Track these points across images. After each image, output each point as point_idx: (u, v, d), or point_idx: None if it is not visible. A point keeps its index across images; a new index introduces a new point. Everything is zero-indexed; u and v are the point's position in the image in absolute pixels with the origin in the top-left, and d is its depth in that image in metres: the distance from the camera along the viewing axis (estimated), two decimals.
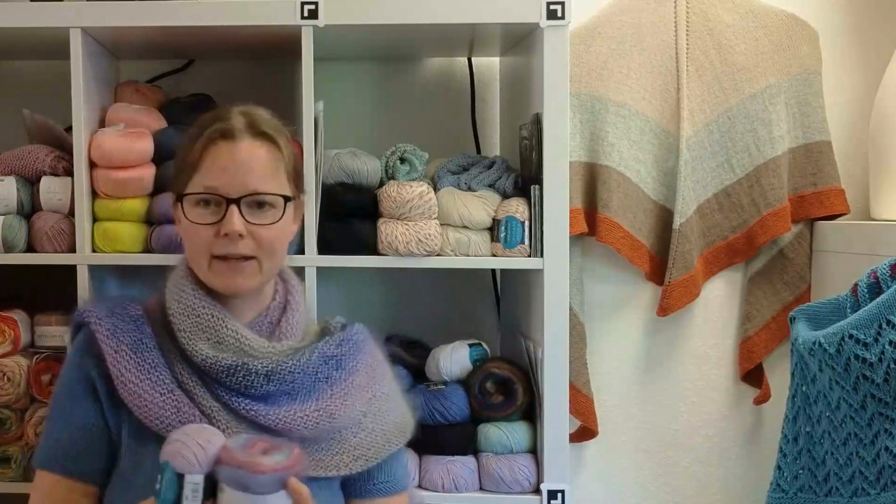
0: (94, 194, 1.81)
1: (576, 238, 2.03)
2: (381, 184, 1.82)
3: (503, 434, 1.79)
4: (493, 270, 2.14)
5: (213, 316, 1.40)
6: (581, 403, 2.05)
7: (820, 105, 2.07)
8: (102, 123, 1.85)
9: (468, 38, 1.95)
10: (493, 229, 1.80)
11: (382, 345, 1.55)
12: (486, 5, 1.74)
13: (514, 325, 2.01)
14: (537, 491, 1.77)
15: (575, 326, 2.03)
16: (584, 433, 2.09)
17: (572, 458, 2.00)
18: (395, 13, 1.74)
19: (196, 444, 1.22)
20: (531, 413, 1.82)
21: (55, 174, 1.83)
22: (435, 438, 1.77)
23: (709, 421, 2.17)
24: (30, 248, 1.82)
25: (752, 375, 2.12)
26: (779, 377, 2.08)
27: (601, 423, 2.11)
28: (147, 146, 1.79)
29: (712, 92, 2.07)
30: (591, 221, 2.06)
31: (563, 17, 1.72)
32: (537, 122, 1.76)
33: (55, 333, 1.87)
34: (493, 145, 2.17)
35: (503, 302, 2.13)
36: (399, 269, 1.82)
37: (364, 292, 2.13)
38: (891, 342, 1.29)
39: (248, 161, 1.38)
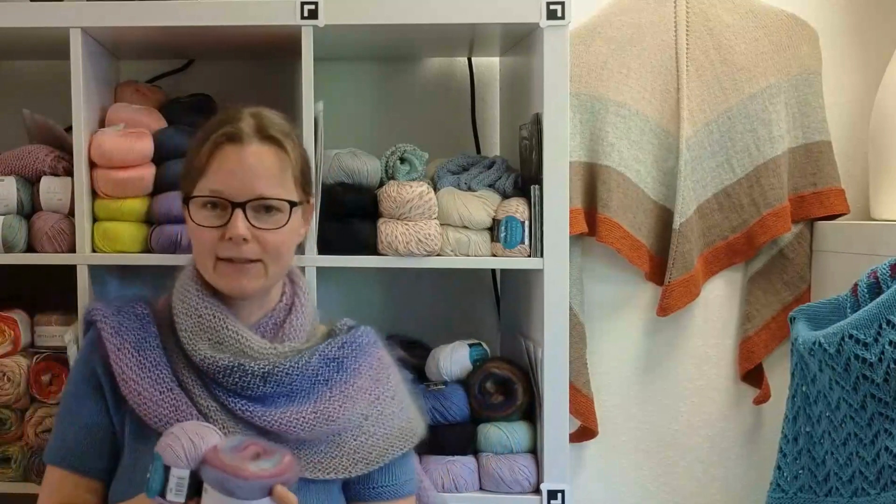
0: (94, 194, 1.81)
1: (576, 238, 2.03)
2: (381, 184, 1.82)
3: (503, 434, 1.79)
4: (493, 270, 2.14)
5: (214, 317, 1.41)
6: (581, 403, 2.05)
7: (820, 105, 2.07)
8: (102, 123, 1.85)
9: (468, 38, 1.95)
10: (493, 229, 1.80)
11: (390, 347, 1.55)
12: (486, 5, 1.74)
13: (514, 325, 2.01)
14: (537, 491, 1.77)
15: (575, 326, 2.03)
16: (584, 433, 2.09)
17: (572, 458, 2.00)
18: (395, 13, 1.74)
19: (188, 439, 1.23)
20: (531, 413, 1.82)
21: (55, 174, 1.83)
22: (435, 438, 1.76)
23: (709, 421, 2.17)
24: (30, 248, 1.82)
25: (752, 375, 2.12)
26: (779, 377, 2.08)
27: (601, 423, 2.11)
28: (147, 146, 1.79)
29: (712, 92, 2.07)
30: (591, 221, 2.06)
31: (563, 17, 1.72)
32: (537, 122, 1.76)
33: (55, 333, 1.87)
34: (493, 145, 2.17)
35: (503, 302, 2.13)
36: (399, 269, 1.82)
37: (364, 292, 2.13)
38: (891, 342, 1.29)
39: (254, 165, 1.38)
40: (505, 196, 1.83)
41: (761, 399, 2.10)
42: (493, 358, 1.89)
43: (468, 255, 1.80)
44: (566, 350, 1.75)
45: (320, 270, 1.75)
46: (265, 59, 2.09)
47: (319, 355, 1.42)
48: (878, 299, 1.32)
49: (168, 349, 1.43)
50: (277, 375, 1.38)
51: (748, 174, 2.07)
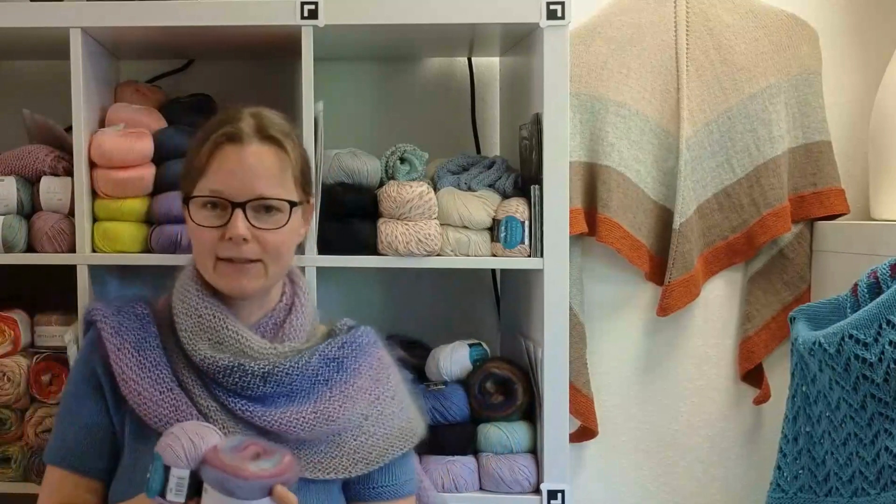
0: (94, 194, 1.81)
1: (576, 238, 2.03)
2: (381, 184, 1.82)
3: (503, 434, 1.79)
4: (493, 270, 2.14)
5: (214, 316, 1.41)
6: (581, 403, 2.05)
7: (820, 105, 2.07)
8: (102, 123, 1.85)
9: (468, 38, 1.95)
10: (493, 229, 1.80)
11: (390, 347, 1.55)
12: (486, 5, 1.74)
13: (514, 325, 2.01)
14: (537, 491, 1.77)
15: (575, 326, 2.03)
16: (584, 433, 2.09)
17: (572, 458, 2.00)
18: (395, 13, 1.74)
19: (188, 439, 1.23)
20: (531, 413, 1.82)
21: (55, 174, 1.83)
22: (435, 438, 1.76)
23: (709, 421, 2.17)
24: (30, 248, 1.82)
25: (752, 375, 2.12)
26: (779, 377, 2.08)
27: (601, 423, 2.11)
28: (147, 146, 1.79)
29: (712, 92, 2.07)
30: (591, 221, 2.06)
31: (563, 17, 1.72)
32: (537, 122, 1.76)
33: (55, 333, 1.87)
34: (493, 145, 2.17)
35: (503, 302, 2.13)
36: (399, 269, 1.82)
37: (364, 292, 2.13)
38: (891, 342, 1.29)
39: (254, 165, 1.38)
40: (505, 196, 1.83)
41: (761, 399, 2.10)
42: (493, 358, 1.89)
43: (468, 255, 1.79)
44: (566, 350, 1.75)
45: (320, 270, 1.75)
46: (265, 59, 2.09)
47: (319, 355, 1.42)
48: (878, 299, 1.32)
49: (168, 349, 1.43)
50: (277, 375, 1.38)
51: (748, 174, 2.07)
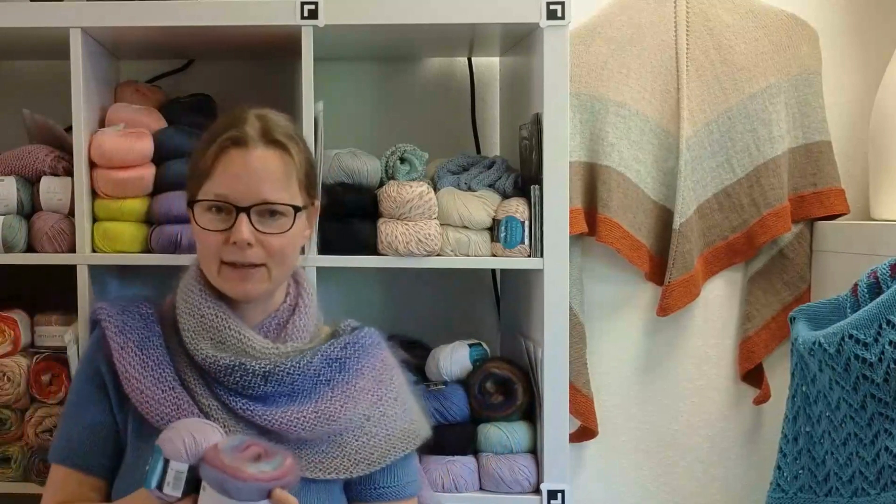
0: (94, 194, 1.81)
1: (576, 238, 2.03)
2: (381, 184, 1.82)
3: (503, 434, 1.79)
4: (493, 270, 2.14)
5: (216, 316, 1.41)
6: (581, 403, 2.05)
7: (820, 105, 2.07)
8: (102, 123, 1.85)
9: (468, 38, 1.95)
10: (493, 229, 1.80)
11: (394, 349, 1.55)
12: (486, 5, 1.74)
13: (514, 325, 2.01)
14: (537, 491, 1.77)
15: (575, 326, 2.03)
16: (584, 433, 2.09)
17: (572, 458, 2.00)
18: (395, 13, 1.74)
19: (190, 434, 1.23)
20: (531, 413, 1.82)
21: (55, 174, 1.83)
22: (435, 438, 1.75)
23: (709, 421, 2.17)
24: (30, 248, 1.82)
25: (752, 375, 2.12)
26: (779, 377, 2.08)
27: (601, 423, 2.11)
28: (147, 146, 1.79)
29: (712, 92, 2.07)
30: (591, 221, 2.06)
31: (563, 17, 1.72)
32: (537, 122, 1.76)
33: (55, 333, 1.87)
34: (493, 145, 2.17)
35: (503, 302, 2.13)
36: (399, 269, 1.82)
37: (364, 292, 2.13)
38: (891, 342, 1.29)
39: (259, 170, 1.38)
40: (505, 196, 1.83)
41: (761, 399, 2.10)
42: (493, 358, 1.89)
43: (468, 255, 1.79)
44: (566, 350, 1.75)
45: (320, 270, 1.75)
46: (265, 59, 2.09)
47: (321, 355, 1.43)
48: (878, 299, 1.32)
49: (171, 349, 1.45)
50: (279, 375, 1.39)
51: (748, 174, 2.07)
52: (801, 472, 1.49)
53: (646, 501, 2.18)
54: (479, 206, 1.79)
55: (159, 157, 1.81)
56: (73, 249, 1.79)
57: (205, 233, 1.40)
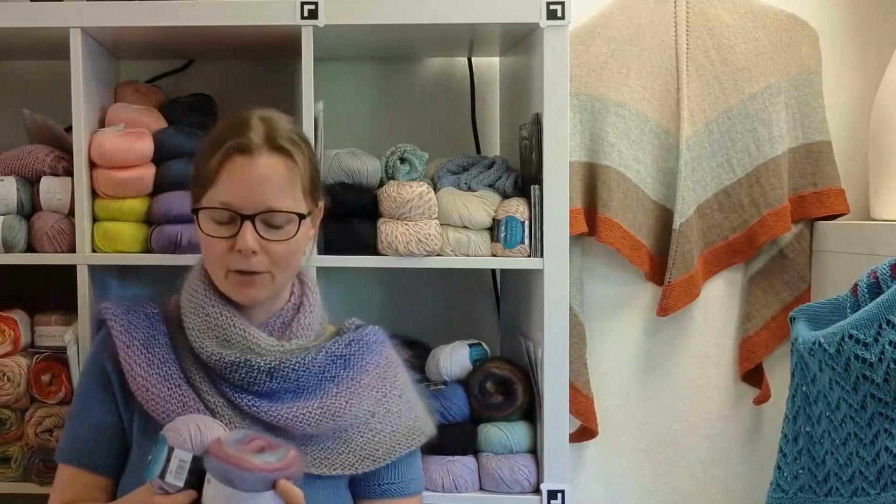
0: (94, 194, 1.81)
1: (576, 238, 2.03)
2: (381, 184, 1.82)
3: (503, 434, 1.79)
4: (493, 270, 2.14)
5: (221, 315, 1.42)
6: (581, 403, 2.05)
7: (820, 105, 2.07)
8: (102, 123, 1.85)
9: (468, 38, 1.95)
10: (493, 229, 1.80)
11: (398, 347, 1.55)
12: (486, 5, 1.74)
13: (514, 325, 2.01)
14: (537, 491, 1.77)
15: (575, 326, 2.03)
16: (584, 433, 2.09)
17: (572, 458, 2.00)
18: (395, 13, 1.74)
19: (195, 425, 1.25)
20: (531, 413, 1.82)
21: (55, 174, 1.83)
22: (435, 438, 1.77)
23: (709, 421, 2.16)
24: (30, 248, 1.82)
25: (752, 375, 2.12)
26: (779, 377, 2.08)
27: (601, 423, 2.11)
28: (147, 146, 1.79)
29: (712, 92, 2.07)
30: (591, 221, 2.06)
31: (563, 17, 1.72)
32: (537, 122, 1.76)
33: (55, 333, 1.87)
34: (493, 145, 2.17)
35: (503, 302, 2.13)
36: (399, 269, 1.82)
37: (364, 292, 2.13)
38: (891, 342, 1.29)
39: (264, 177, 1.38)
40: (505, 196, 1.83)
41: (761, 399, 2.10)
42: (493, 358, 1.89)
43: (468, 255, 1.80)
44: (566, 350, 1.75)
45: (320, 270, 1.75)
46: (265, 59, 2.09)
47: (326, 352, 1.44)
48: (878, 299, 1.32)
49: (176, 347, 1.46)
50: (284, 371, 1.40)
51: (748, 174, 2.07)
52: (801, 472, 1.49)
53: (646, 501, 2.18)
54: (479, 206, 1.79)
55: (159, 157, 1.81)
56: (73, 249, 1.79)
57: (210, 240, 1.40)
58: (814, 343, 1.39)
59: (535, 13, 1.72)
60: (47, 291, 1.93)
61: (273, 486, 1.20)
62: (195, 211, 1.42)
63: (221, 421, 1.35)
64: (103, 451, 1.44)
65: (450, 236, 1.79)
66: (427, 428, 1.51)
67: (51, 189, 1.81)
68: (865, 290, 1.38)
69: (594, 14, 2.07)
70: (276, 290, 1.45)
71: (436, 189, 1.81)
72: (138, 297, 1.56)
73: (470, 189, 1.83)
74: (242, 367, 1.39)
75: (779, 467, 1.53)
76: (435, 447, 1.75)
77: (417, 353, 1.89)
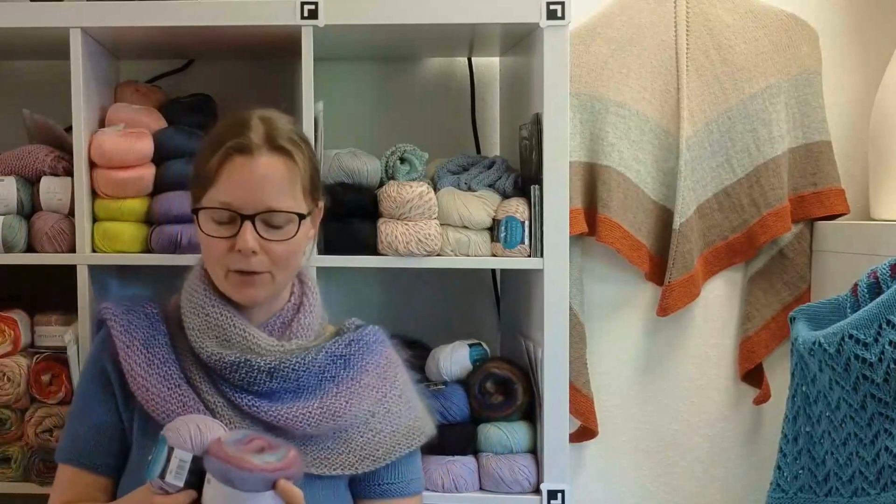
0: (94, 194, 1.81)
1: (576, 238, 2.03)
2: (381, 184, 1.82)
3: (503, 434, 1.79)
4: (493, 270, 2.14)
5: (221, 315, 1.43)
6: (581, 403, 2.05)
7: (820, 105, 2.07)
8: (102, 123, 1.85)
9: (468, 38, 1.95)
10: (493, 229, 1.80)
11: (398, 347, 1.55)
12: (486, 5, 1.74)
13: (514, 325, 2.01)
14: (537, 491, 1.77)
15: (575, 326, 2.03)
16: (584, 433, 2.09)
17: (572, 458, 2.00)
18: (395, 13, 1.74)
19: (195, 425, 1.25)
20: (531, 413, 1.82)
21: (55, 174, 1.83)
22: (435, 438, 1.77)
23: (709, 421, 2.16)
24: (30, 248, 1.82)
25: (752, 375, 2.12)
26: (779, 377, 2.08)
27: (601, 423, 2.11)
28: (147, 146, 1.79)
29: (712, 92, 2.07)
30: (591, 221, 2.06)
31: (563, 17, 1.72)
32: (537, 122, 1.76)
33: (55, 333, 1.87)
34: (493, 145, 2.17)
35: (503, 302, 2.13)
36: (399, 269, 1.82)
37: (364, 292, 2.13)
38: (891, 342, 1.29)
39: (264, 177, 1.38)
40: (505, 196, 1.83)
41: (761, 399, 2.10)
42: (493, 358, 1.89)
43: (468, 255, 1.80)
44: (566, 350, 1.75)
45: (320, 270, 1.75)
46: (265, 59, 2.09)
47: (326, 352, 1.44)
48: (878, 299, 1.32)
49: (177, 347, 1.46)
50: (284, 371, 1.40)
51: (748, 174, 2.07)
52: (801, 472, 1.49)
53: (646, 501, 2.18)
54: (479, 206, 1.79)
55: (159, 157, 1.82)
56: (73, 249, 1.79)
57: (210, 240, 1.41)
58: (814, 343, 1.39)
59: (535, 13, 1.72)
60: (47, 291, 1.93)
61: (273, 485, 1.21)
62: (195, 211, 1.42)
63: (221, 421, 1.35)
64: (103, 451, 1.45)
65: (450, 236, 1.79)
66: (427, 428, 1.51)
67: (51, 189, 1.81)
68: (865, 290, 1.38)
69: (594, 14, 2.07)
70: (276, 291, 1.45)
71: (436, 189, 1.81)
72: (138, 297, 1.57)
73: (470, 189, 1.83)
74: (242, 367, 1.39)
75: (779, 467, 1.53)
76: (435, 447, 1.75)
77: (417, 353, 1.89)
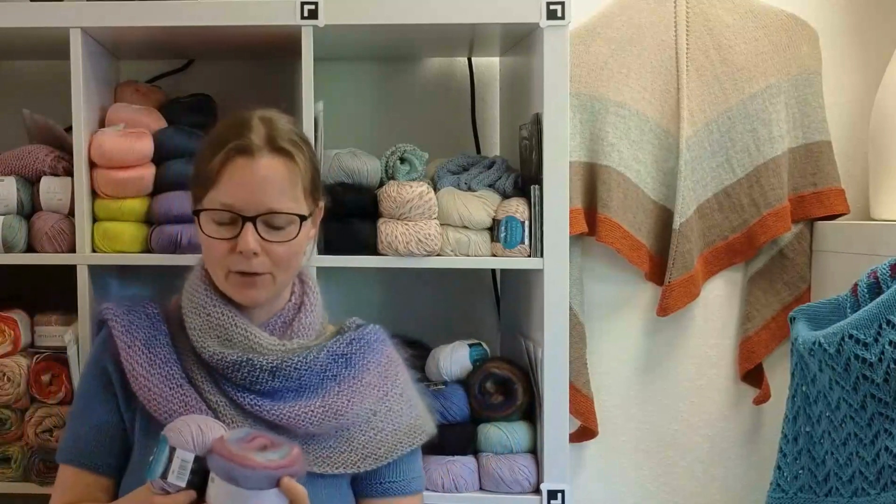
0: (94, 194, 1.81)
1: (576, 238, 2.03)
2: (381, 184, 1.82)
3: (503, 434, 1.79)
4: (493, 270, 2.14)
5: (223, 314, 1.43)
6: (581, 403, 2.05)
7: (820, 105, 2.07)
8: (102, 123, 1.85)
9: (468, 38, 1.95)
10: (493, 229, 1.80)
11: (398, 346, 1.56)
12: (486, 5, 1.74)
13: (514, 325, 2.01)
14: (537, 491, 1.77)
15: (575, 326, 2.03)
16: (584, 433, 2.09)
17: (572, 458, 2.00)
18: (395, 13, 1.74)
19: (197, 426, 1.25)
20: (531, 413, 1.82)
21: (55, 174, 1.83)
22: (435, 438, 1.77)
23: (709, 421, 2.17)
24: (30, 248, 1.82)
25: (752, 375, 2.12)
26: (779, 377, 2.08)
27: (601, 423, 2.11)
28: (147, 146, 1.79)
29: (712, 92, 2.07)
30: (591, 221, 2.06)
31: (563, 17, 1.72)
32: (537, 122, 1.76)
33: (55, 333, 1.87)
34: (493, 145, 2.17)
35: (503, 302, 2.13)
36: (399, 269, 1.82)
37: (364, 292, 2.13)
38: (891, 342, 1.29)
39: (265, 179, 1.38)
40: (505, 196, 1.83)
41: (761, 399, 2.10)
42: (493, 358, 1.89)
43: (468, 255, 1.80)
44: (566, 350, 1.75)
45: (320, 270, 1.75)
46: (265, 59, 2.09)
47: (327, 351, 1.44)
48: (878, 299, 1.32)
49: (178, 347, 1.46)
50: (286, 370, 1.40)
51: (748, 174, 2.07)
52: (801, 472, 1.49)
53: (646, 501, 2.18)
54: (479, 206, 1.79)
55: (159, 157, 1.82)
56: (73, 249, 1.79)
57: (211, 241, 1.41)
58: (814, 343, 1.39)
59: (535, 13, 1.72)
60: (47, 291, 1.93)
61: (277, 483, 1.21)
62: (196, 212, 1.42)
63: (224, 420, 1.36)
64: (104, 452, 1.45)
65: (450, 236, 1.79)
66: (428, 426, 1.52)
67: (51, 189, 1.81)
68: (865, 290, 1.38)
69: (594, 14, 2.07)
70: (277, 291, 1.45)
71: (436, 189, 1.81)
72: (139, 297, 1.57)
73: (470, 189, 1.83)
74: (244, 367, 1.39)
75: (779, 467, 1.53)
76: (435, 447, 1.75)
77: (417, 352, 1.89)
